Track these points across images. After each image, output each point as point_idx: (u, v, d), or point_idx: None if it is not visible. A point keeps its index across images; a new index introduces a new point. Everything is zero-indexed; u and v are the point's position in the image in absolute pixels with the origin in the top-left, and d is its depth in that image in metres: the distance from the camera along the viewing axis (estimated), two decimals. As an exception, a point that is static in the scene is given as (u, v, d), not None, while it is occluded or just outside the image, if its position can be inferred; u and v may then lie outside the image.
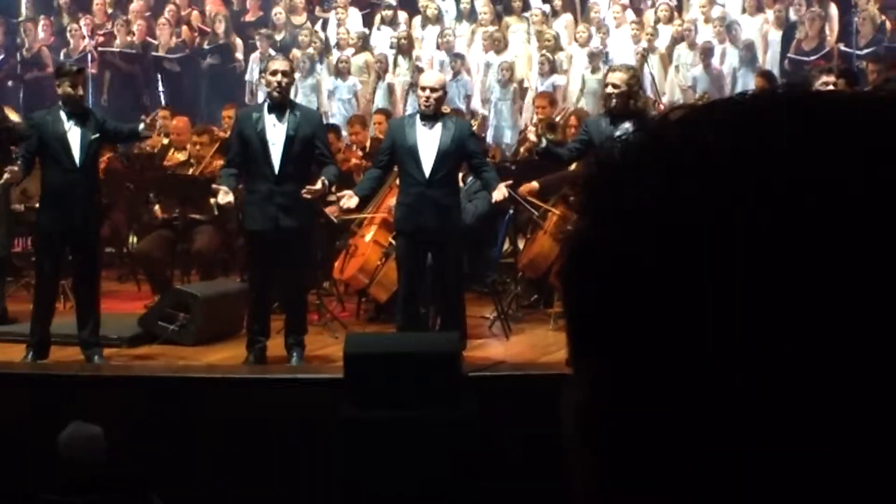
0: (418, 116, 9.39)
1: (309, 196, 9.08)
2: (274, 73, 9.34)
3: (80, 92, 9.62)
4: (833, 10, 15.55)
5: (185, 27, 17.68)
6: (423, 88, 9.50)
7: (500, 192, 9.21)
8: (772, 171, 0.72)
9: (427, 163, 9.17)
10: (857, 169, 0.71)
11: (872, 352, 0.69)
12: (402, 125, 9.56)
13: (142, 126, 10.30)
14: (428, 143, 9.19)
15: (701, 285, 0.71)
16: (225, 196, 9.36)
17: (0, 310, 10.86)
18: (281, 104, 9.28)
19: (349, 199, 9.46)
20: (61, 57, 17.27)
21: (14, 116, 11.81)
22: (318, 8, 18.06)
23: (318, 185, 9.11)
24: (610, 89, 9.45)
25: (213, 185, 9.82)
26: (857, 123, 0.74)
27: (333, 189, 9.75)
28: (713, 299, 0.71)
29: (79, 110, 9.55)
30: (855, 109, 0.75)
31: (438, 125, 9.24)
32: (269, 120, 9.23)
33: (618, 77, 9.49)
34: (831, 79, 9.57)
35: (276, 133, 9.20)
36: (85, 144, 9.43)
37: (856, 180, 0.71)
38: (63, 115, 9.42)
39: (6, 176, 9.36)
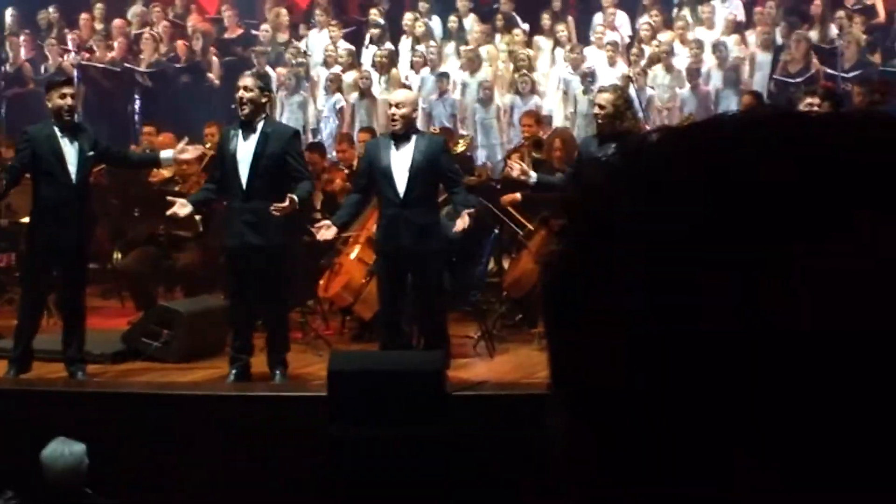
0: (391, 136, 9.41)
1: (277, 213, 8.98)
2: (237, 89, 9.36)
3: (70, 102, 9.50)
4: (833, 30, 15.57)
5: (180, 42, 17.61)
6: (390, 105, 9.57)
7: (462, 222, 9.20)
8: (750, 193, 0.72)
9: (400, 182, 9.16)
10: (834, 189, 0.72)
11: (851, 365, 0.70)
12: (377, 146, 9.57)
13: (168, 153, 10.01)
14: (400, 162, 9.19)
15: (679, 308, 0.72)
16: (181, 207, 9.38)
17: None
18: (249, 120, 9.27)
19: (327, 230, 9.46)
20: (41, 72, 17.23)
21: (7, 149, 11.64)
22: (302, 25, 18.05)
23: (287, 203, 9.00)
24: (597, 110, 9.55)
25: (169, 198, 9.77)
26: (835, 143, 0.74)
27: (319, 215, 9.76)
28: (692, 322, 0.71)
29: (70, 124, 9.49)
30: (833, 129, 0.76)
31: (410, 144, 9.24)
32: (240, 136, 9.23)
33: (604, 98, 9.56)
34: (815, 100, 9.63)
35: (244, 149, 9.19)
36: (81, 160, 9.37)
37: (832, 200, 0.71)
38: (56, 129, 9.34)
39: None
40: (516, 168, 10.31)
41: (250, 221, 9.10)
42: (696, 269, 0.72)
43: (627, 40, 16.47)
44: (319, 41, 17.26)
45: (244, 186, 9.16)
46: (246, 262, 9.14)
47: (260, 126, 9.27)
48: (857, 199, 0.71)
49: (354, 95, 16.14)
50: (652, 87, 15.53)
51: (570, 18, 16.78)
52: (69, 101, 9.46)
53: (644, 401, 0.73)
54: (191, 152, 10.23)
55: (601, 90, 10.11)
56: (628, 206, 0.75)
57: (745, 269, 0.71)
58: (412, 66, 16.55)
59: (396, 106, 9.40)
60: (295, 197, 9.06)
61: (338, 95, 16.20)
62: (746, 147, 0.75)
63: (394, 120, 9.34)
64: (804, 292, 0.70)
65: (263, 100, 9.50)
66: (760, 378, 0.70)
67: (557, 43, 16.28)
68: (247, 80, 9.53)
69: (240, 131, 9.26)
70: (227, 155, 9.25)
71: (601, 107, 9.48)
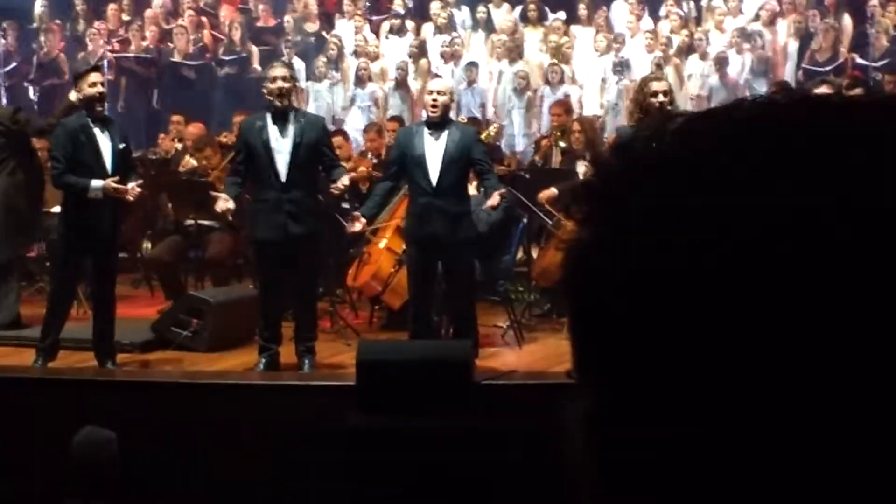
0: (425, 125, 9.40)
1: (337, 192, 9.55)
2: (274, 79, 9.29)
3: (102, 90, 9.45)
4: (847, 20, 15.48)
5: (205, 32, 17.63)
6: (430, 92, 9.54)
7: (492, 200, 9.16)
8: (769, 180, 0.72)
9: (434, 171, 9.17)
10: (853, 178, 0.71)
11: (865, 367, 0.69)
12: (409, 134, 9.57)
13: (99, 183, 9.23)
14: (434, 151, 9.19)
15: (700, 294, 0.71)
16: (224, 203, 9.37)
17: (13, 314, 10.84)
18: (283, 111, 9.27)
19: (356, 223, 9.61)
20: (77, 61, 17.26)
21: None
22: (337, 15, 18.07)
23: (342, 186, 9.37)
24: (661, 98, 9.15)
25: (212, 193, 9.80)
26: (856, 130, 0.74)
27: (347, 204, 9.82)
28: (714, 309, 0.71)
29: (101, 115, 9.47)
30: (853, 115, 0.75)
31: (444, 133, 9.24)
32: (273, 128, 9.21)
33: (665, 85, 9.31)
34: (823, 89, 9.54)
35: (281, 141, 9.19)
36: (115, 151, 9.36)
37: (850, 190, 0.71)
38: (89, 120, 9.28)
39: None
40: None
41: (292, 212, 9.12)
42: (716, 252, 0.71)
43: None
44: (348, 31, 17.28)
45: (283, 178, 9.16)
46: (285, 252, 9.15)
47: (292, 116, 9.29)
48: (871, 182, 0.71)
49: (390, 85, 16.18)
50: (689, 76, 15.45)
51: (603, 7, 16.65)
52: (100, 88, 9.41)
53: (672, 382, 0.72)
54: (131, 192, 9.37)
55: (656, 78, 9.79)
56: (647, 193, 0.75)
57: (766, 252, 0.70)
58: (442, 57, 16.54)
59: (438, 93, 9.39)
60: (346, 180, 9.44)
61: (373, 85, 16.22)
62: (763, 134, 0.74)
63: (434, 107, 9.32)
64: (830, 278, 0.70)
65: (294, 90, 9.58)
66: (793, 365, 0.70)
67: (599, 31, 16.19)
68: (284, 70, 9.54)
69: (269, 122, 9.25)
70: (258, 147, 9.22)
71: (665, 93, 9.18)
